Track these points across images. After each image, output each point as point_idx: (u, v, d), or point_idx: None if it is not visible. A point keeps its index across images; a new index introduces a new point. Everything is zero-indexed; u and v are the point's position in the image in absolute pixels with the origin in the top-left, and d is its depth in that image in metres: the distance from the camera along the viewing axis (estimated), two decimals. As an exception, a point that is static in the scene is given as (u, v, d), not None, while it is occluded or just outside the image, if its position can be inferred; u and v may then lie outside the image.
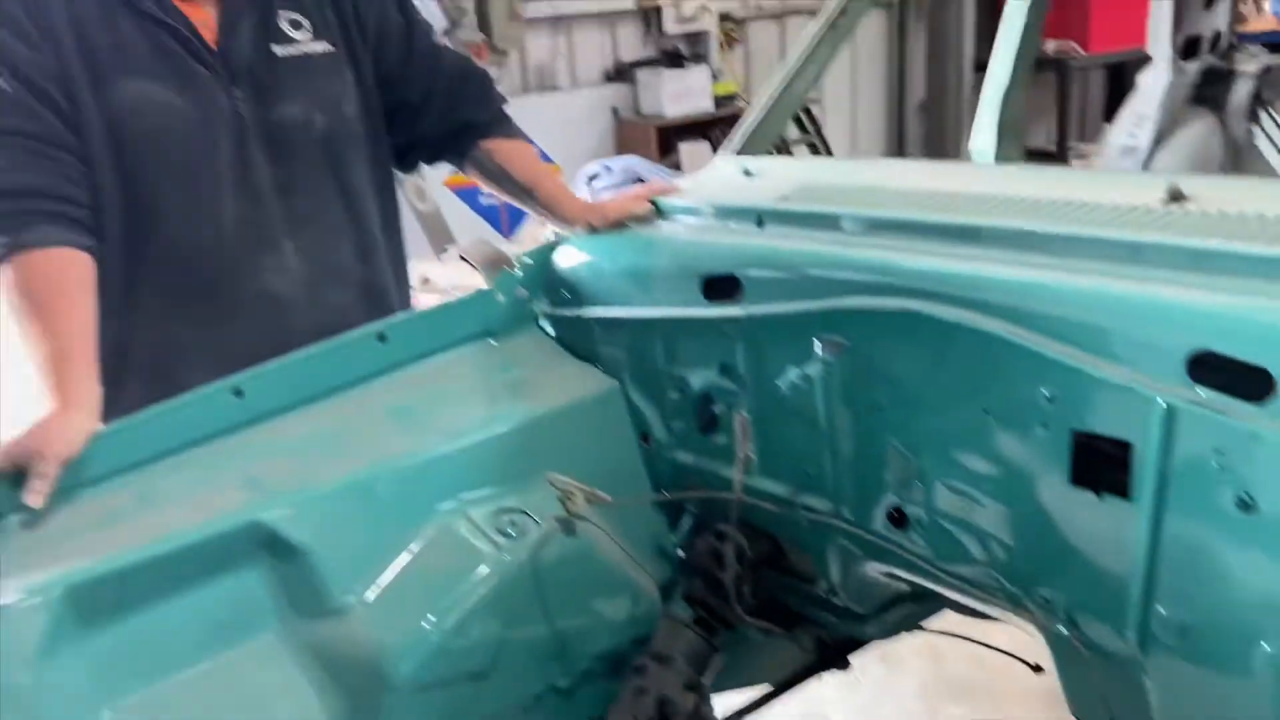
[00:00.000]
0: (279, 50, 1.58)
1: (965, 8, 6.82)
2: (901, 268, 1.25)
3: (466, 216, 4.71)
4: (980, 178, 1.53)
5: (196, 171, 1.53)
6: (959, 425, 1.20)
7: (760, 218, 1.51)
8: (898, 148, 7.25)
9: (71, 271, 1.39)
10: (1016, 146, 2.52)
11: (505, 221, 5.02)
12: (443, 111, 1.75)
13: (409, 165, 1.82)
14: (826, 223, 1.43)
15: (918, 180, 1.53)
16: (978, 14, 6.89)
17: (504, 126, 1.80)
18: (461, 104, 1.76)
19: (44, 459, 1.21)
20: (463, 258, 4.00)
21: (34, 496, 1.21)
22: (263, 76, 1.57)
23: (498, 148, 1.77)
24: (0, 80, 1.40)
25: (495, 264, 4.01)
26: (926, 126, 7.17)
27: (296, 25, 1.60)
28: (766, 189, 1.64)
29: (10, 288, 1.36)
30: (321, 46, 1.62)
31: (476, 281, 3.91)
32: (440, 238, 4.22)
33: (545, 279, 1.74)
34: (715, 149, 5.50)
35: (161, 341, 1.57)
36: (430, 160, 1.81)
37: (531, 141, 1.92)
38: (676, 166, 5.56)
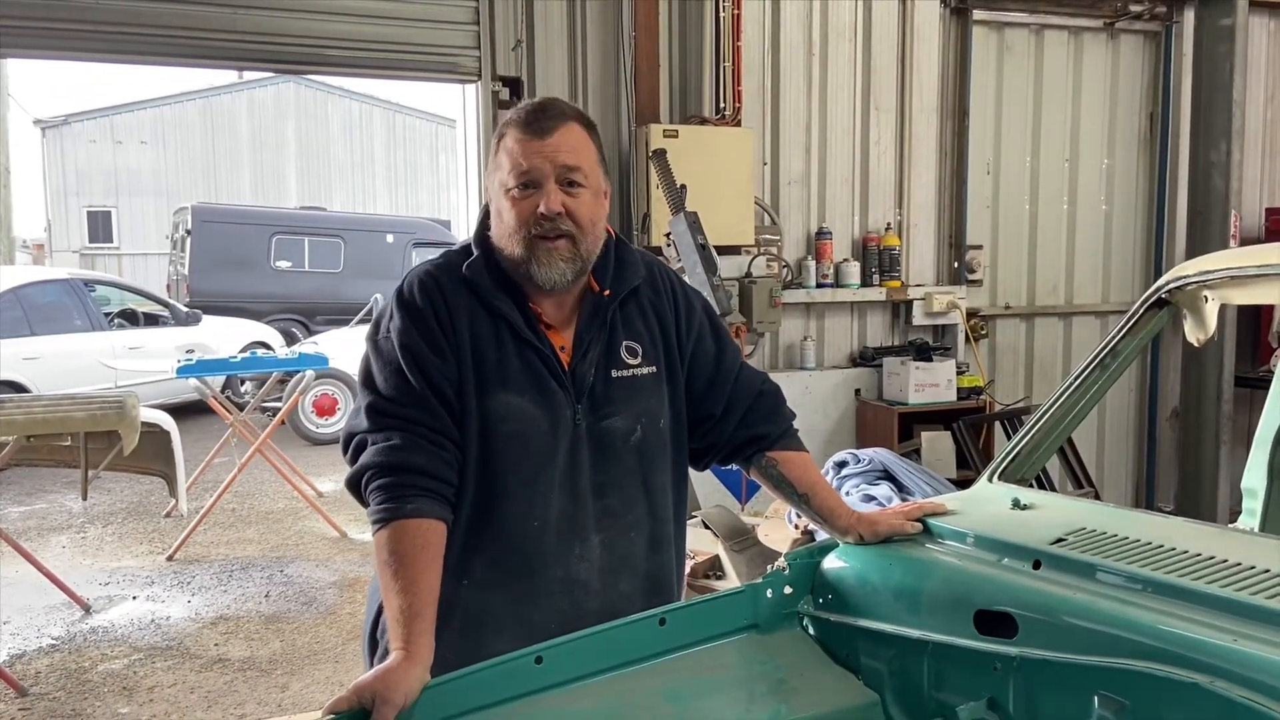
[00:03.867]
0: (615, 373, 1.83)
1: (1227, 319, 6.70)
2: (1192, 640, 1.28)
3: (708, 480, 4.92)
4: (1269, 549, 1.55)
5: (539, 470, 1.76)
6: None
7: (1038, 561, 1.58)
8: (1147, 454, 7.00)
9: (432, 538, 1.63)
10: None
11: (745, 489, 5.21)
12: (738, 424, 1.95)
13: (702, 465, 2.01)
14: (1106, 576, 1.48)
15: (1201, 542, 1.56)
16: (1238, 328, 6.74)
17: (789, 440, 1.98)
18: (755, 418, 1.96)
19: (387, 704, 1.41)
20: (705, 524, 4.17)
21: None
22: (600, 394, 1.81)
23: (781, 458, 1.95)
24: (412, 379, 1.71)
25: (734, 534, 4.16)
26: (1179, 436, 6.92)
27: (633, 353, 1.85)
28: (1040, 527, 1.71)
29: (382, 545, 1.62)
30: (648, 369, 1.86)
31: (715, 548, 4.06)
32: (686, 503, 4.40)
33: (812, 580, 1.86)
34: (956, 439, 5.58)
35: (481, 607, 1.77)
36: (723, 463, 2.00)
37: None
38: (916, 452, 5.62)
